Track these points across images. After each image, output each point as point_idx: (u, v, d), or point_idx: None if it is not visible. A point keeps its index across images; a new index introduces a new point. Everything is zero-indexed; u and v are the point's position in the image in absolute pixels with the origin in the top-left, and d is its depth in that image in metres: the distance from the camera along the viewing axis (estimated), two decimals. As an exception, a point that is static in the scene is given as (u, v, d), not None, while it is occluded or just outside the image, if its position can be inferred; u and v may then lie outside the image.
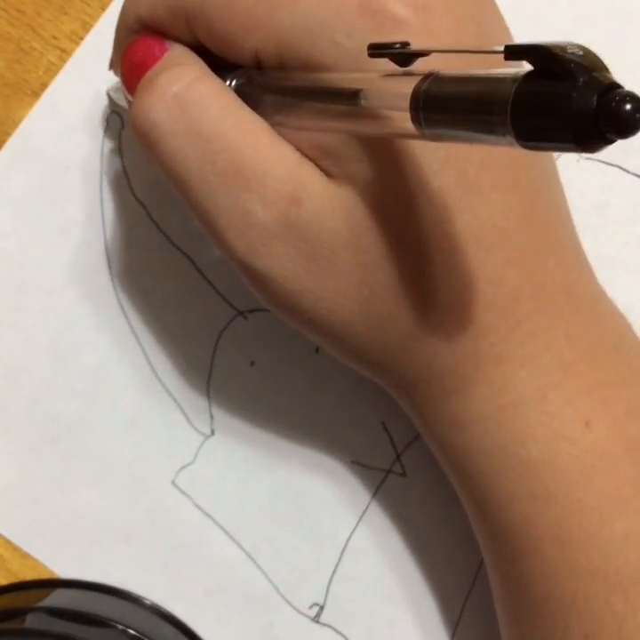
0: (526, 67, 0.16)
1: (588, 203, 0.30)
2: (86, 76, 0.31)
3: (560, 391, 0.24)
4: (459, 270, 0.23)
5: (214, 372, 0.31)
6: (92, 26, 0.31)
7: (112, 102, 0.31)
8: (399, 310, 0.24)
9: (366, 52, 0.19)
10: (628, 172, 0.30)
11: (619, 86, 0.15)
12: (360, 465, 0.31)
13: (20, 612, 0.30)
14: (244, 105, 0.24)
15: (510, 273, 0.24)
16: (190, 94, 0.23)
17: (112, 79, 0.31)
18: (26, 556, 0.31)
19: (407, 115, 0.18)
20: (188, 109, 0.23)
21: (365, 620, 0.31)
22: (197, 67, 0.24)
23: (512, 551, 0.25)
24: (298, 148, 0.23)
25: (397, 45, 0.19)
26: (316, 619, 0.31)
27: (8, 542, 0.31)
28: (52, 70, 0.31)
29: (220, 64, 0.24)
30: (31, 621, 0.29)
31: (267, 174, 0.23)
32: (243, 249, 0.23)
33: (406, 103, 0.18)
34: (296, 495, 0.31)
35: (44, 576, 0.31)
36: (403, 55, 0.19)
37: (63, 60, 0.31)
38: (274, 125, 0.24)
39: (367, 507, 0.31)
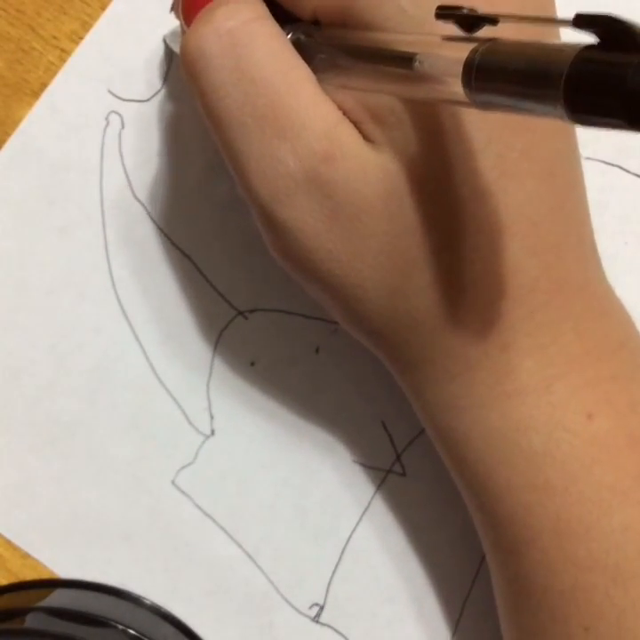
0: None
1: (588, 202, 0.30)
2: (86, 75, 0.31)
3: (564, 383, 0.24)
4: (480, 253, 0.23)
5: (214, 372, 0.31)
6: (91, 26, 0.31)
7: (168, 49, 0.31)
8: (413, 284, 0.24)
9: (430, 20, 0.19)
10: (628, 171, 0.30)
11: None
12: (360, 465, 0.31)
13: (20, 612, 0.30)
14: (297, 54, 0.24)
15: (531, 263, 0.23)
16: (244, 32, 0.23)
17: (114, 70, 0.31)
18: (26, 555, 0.31)
19: (459, 80, 0.18)
20: (238, 46, 0.23)
21: (365, 620, 0.31)
22: (258, 6, 0.24)
23: (511, 542, 0.25)
24: (344, 109, 0.23)
25: (465, 9, 0.19)
26: (316, 619, 0.31)
27: (8, 542, 0.31)
28: (52, 70, 0.31)
29: (280, 16, 0.24)
30: (31, 621, 0.29)
31: (304, 127, 0.23)
32: (266, 196, 0.23)
33: (460, 69, 0.18)
34: (296, 495, 0.31)
35: (44, 576, 0.31)
36: (469, 19, 0.18)
37: (63, 60, 0.31)
38: (324, 82, 0.23)
39: (367, 506, 0.31)
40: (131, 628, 0.29)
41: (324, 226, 0.23)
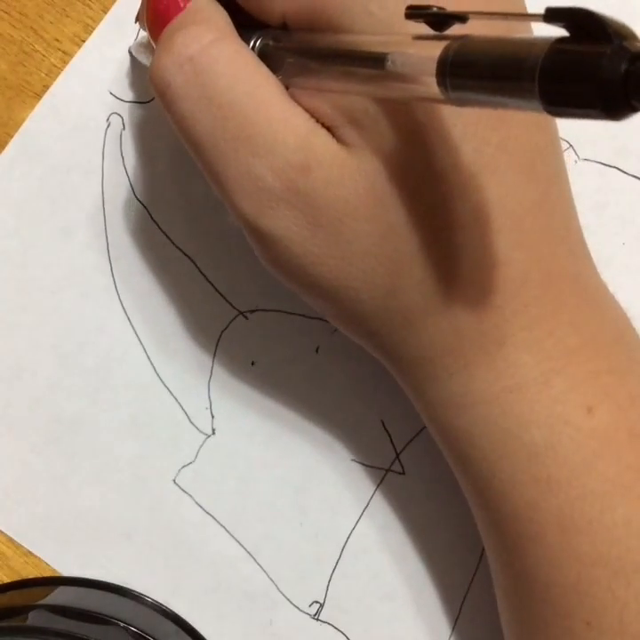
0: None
1: (586, 203, 0.30)
2: (88, 77, 0.31)
3: (563, 377, 0.24)
4: (467, 248, 0.23)
5: (215, 372, 0.31)
6: (93, 28, 0.31)
7: (134, 61, 0.31)
8: (403, 282, 0.24)
9: (398, 22, 0.20)
10: (626, 173, 0.30)
11: None
12: (360, 463, 0.31)
13: (22, 610, 0.30)
14: (261, 69, 0.24)
15: (519, 256, 0.24)
16: (204, 59, 0.23)
17: (116, 72, 0.31)
18: (28, 553, 0.31)
19: (433, 78, 0.18)
20: (201, 74, 0.23)
21: (365, 618, 0.31)
22: (217, 25, 0.24)
23: (515, 537, 0.25)
24: (318, 114, 0.23)
25: (434, 8, 0.19)
26: (316, 616, 0.31)
27: (11, 540, 0.32)
28: (54, 72, 0.31)
29: (248, 23, 0.24)
30: (33, 619, 0.30)
31: (277, 143, 0.23)
32: (250, 211, 0.24)
33: (433, 67, 0.18)
34: (296, 494, 0.31)
35: (47, 574, 0.31)
36: (439, 18, 0.19)
37: (65, 62, 0.31)
38: (296, 86, 0.24)
39: (367, 505, 0.31)
40: (132, 626, 0.30)
41: (309, 233, 0.23)
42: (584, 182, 0.30)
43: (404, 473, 0.31)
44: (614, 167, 0.30)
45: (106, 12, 0.31)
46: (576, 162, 0.30)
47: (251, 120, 0.23)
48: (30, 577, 0.31)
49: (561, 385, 0.24)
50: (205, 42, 0.23)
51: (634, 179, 0.30)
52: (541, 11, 0.16)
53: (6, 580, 0.31)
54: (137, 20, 0.29)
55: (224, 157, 0.23)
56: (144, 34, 0.28)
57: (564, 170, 0.25)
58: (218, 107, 0.23)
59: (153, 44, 0.26)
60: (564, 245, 0.25)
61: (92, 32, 0.31)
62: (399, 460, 0.31)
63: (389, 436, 0.31)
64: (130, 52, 0.31)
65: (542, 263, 0.24)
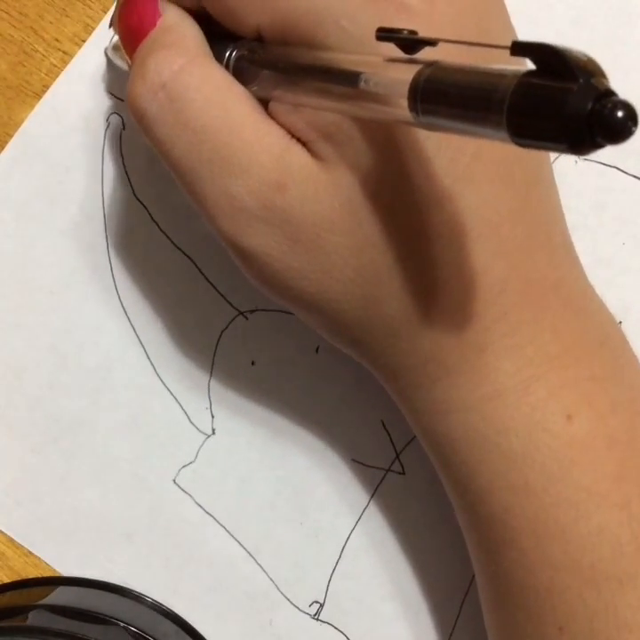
0: (528, 67, 0.16)
1: (586, 204, 0.30)
2: (88, 78, 0.31)
3: (543, 383, 0.24)
4: (444, 258, 0.23)
5: (215, 372, 0.31)
6: (93, 28, 0.31)
7: (110, 62, 0.31)
8: (384, 293, 0.24)
9: (370, 38, 0.20)
10: (626, 173, 0.30)
11: (614, 94, 0.15)
12: (360, 463, 0.31)
13: (22, 610, 0.30)
14: (233, 89, 0.24)
15: (497, 264, 0.24)
16: (177, 85, 0.24)
17: (116, 71, 0.31)
18: (28, 553, 0.32)
19: (405, 101, 0.18)
20: (175, 101, 0.24)
21: (365, 618, 0.31)
22: (187, 47, 0.24)
23: (491, 541, 0.25)
24: (294, 130, 0.24)
25: (405, 31, 0.19)
26: (316, 616, 0.31)
27: (11, 540, 0.32)
28: (54, 72, 0.31)
29: (224, 32, 0.25)
30: (33, 619, 0.30)
31: (251, 162, 0.23)
32: (230, 229, 0.24)
33: (405, 89, 0.18)
34: (296, 494, 0.31)
35: (47, 574, 0.31)
36: (409, 42, 0.19)
37: (65, 62, 0.31)
38: (271, 100, 0.24)
39: (367, 505, 0.31)
40: (132, 626, 0.30)
41: (288, 248, 0.24)
42: (584, 182, 0.30)
43: (404, 473, 0.31)
44: (614, 167, 0.30)
45: (106, 12, 0.31)
46: (576, 162, 0.30)
47: (224, 142, 0.23)
48: (30, 577, 0.31)
49: (540, 392, 0.24)
50: (176, 67, 0.24)
51: (634, 179, 0.30)
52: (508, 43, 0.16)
53: (6, 580, 0.32)
54: (111, 25, 0.29)
55: (201, 179, 0.24)
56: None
57: (547, 176, 0.25)
58: (192, 131, 0.24)
59: (127, 60, 0.26)
60: (544, 251, 0.25)
61: (91, 32, 0.31)
62: (399, 460, 0.31)
63: (389, 436, 0.31)
64: (105, 54, 0.31)
65: (521, 270, 0.24)
